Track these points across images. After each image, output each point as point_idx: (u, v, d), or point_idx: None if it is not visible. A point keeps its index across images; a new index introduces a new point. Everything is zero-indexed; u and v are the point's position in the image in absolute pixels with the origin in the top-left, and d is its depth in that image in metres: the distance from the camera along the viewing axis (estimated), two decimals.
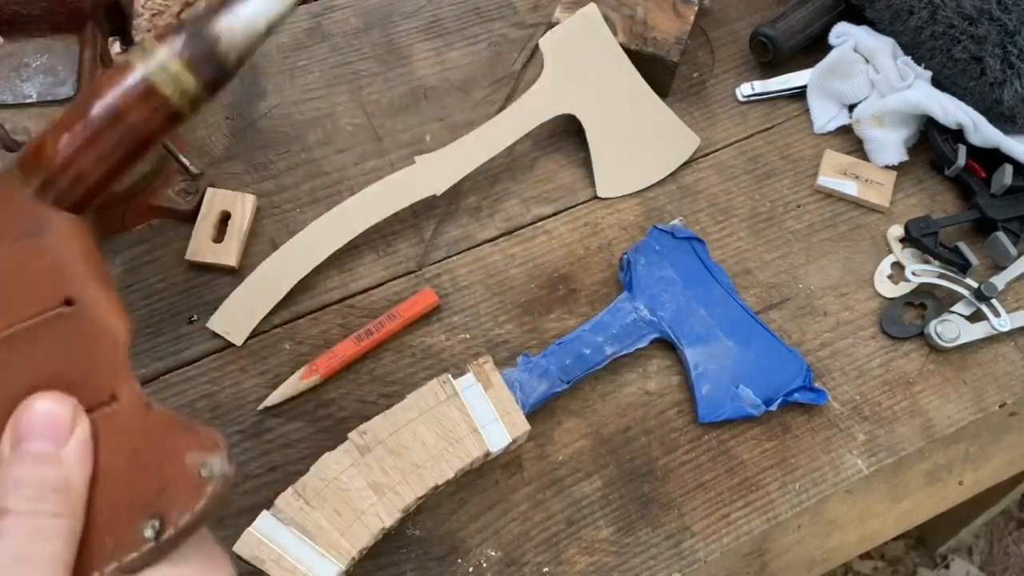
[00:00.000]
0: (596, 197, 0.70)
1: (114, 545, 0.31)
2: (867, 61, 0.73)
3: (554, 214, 0.70)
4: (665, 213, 0.70)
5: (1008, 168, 0.68)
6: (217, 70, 0.34)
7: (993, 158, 0.69)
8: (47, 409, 0.30)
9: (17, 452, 0.30)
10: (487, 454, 0.56)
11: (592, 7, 0.72)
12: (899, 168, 0.71)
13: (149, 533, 0.31)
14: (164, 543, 0.31)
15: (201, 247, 0.65)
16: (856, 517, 0.64)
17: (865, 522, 0.65)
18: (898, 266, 0.68)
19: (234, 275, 0.65)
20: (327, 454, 0.55)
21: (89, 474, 0.31)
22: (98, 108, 0.33)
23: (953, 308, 0.66)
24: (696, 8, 0.73)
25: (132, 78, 0.33)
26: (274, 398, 0.61)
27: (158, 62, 0.33)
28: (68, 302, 0.33)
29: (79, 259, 0.34)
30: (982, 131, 0.68)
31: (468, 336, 0.64)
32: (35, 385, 0.32)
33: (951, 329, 0.64)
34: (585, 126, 0.70)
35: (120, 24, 0.65)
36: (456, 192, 0.70)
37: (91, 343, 0.33)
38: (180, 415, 0.33)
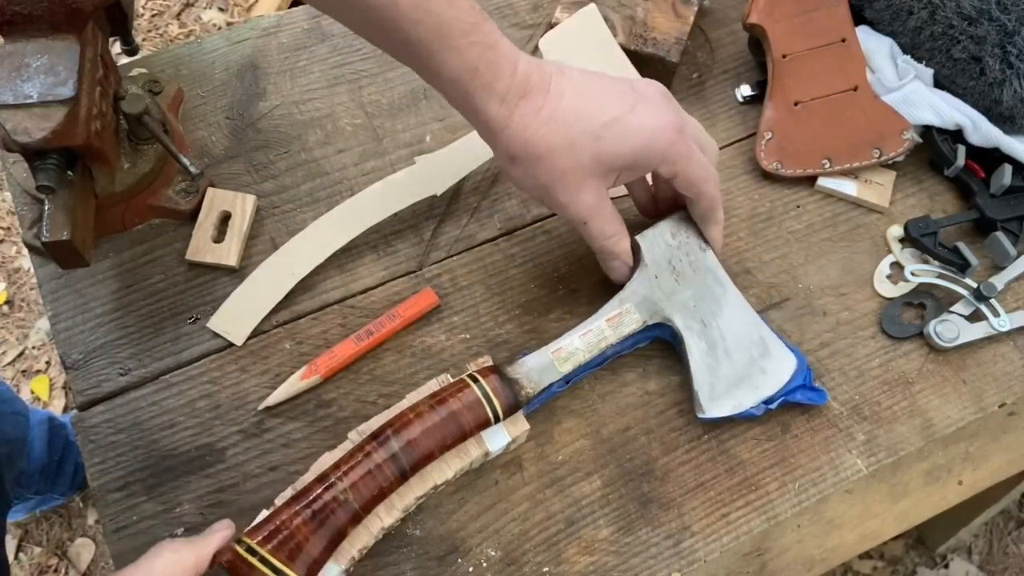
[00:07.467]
0: None
1: None
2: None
3: (554, 214, 0.69)
4: None
5: (1007, 168, 0.68)
6: (515, 403, 0.56)
7: (993, 158, 0.69)
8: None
9: None
10: (487, 454, 0.56)
11: (592, 7, 0.72)
12: (898, 168, 0.72)
13: None
14: None
15: (201, 247, 0.65)
16: (855, 517, 0.64)
17: (864, 522, 0.65)
18: (897, 266, 0.68)
19: (234, 275, 0.66)
20: (327, 454, 0.55)
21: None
22: (442, 412, 0.54)
23: (952, 308, 0.66)
24: (696, 9, 0.73)
25: (469, 397, 0.55)
26: (274, 398, 0.61)
27: (483, 393, 0.55)
28: None
29: None
30: (981, 131, 0.68)
31: (468, 336, 0.64)
32: None
33: (950, 329, 0.64)
34: None
35: (120, 24, 0.65)
36: (456, 192, 0.70)
37: None
38: None
